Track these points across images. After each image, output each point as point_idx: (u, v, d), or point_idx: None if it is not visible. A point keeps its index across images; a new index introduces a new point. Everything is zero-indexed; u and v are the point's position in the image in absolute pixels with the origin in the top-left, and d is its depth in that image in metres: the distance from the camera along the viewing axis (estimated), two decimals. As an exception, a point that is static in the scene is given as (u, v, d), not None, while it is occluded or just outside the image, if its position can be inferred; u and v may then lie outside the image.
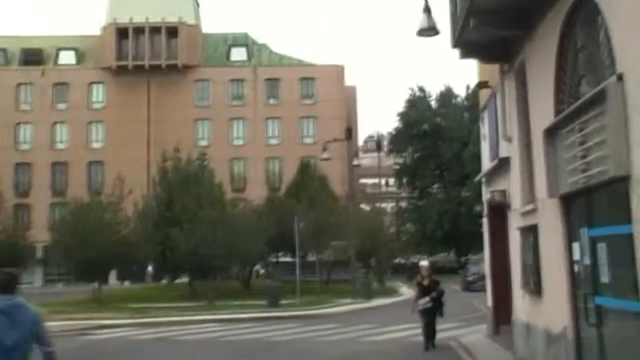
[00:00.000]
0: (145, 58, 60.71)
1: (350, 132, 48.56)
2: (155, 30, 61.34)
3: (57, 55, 62.53)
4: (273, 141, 61.25)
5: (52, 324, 22.21)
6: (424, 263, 16.63)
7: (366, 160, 69.77)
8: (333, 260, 38.28)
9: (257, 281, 39.49)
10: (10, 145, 58.46)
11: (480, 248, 25.39)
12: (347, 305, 27.63)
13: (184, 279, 38.48)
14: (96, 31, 62.93)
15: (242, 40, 65.22)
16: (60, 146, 59.88)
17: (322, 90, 61.03)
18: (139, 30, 61.07)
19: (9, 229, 32.52)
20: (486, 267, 16.44)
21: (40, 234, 39.38)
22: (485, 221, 15.96)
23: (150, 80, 60.73)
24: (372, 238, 36.96)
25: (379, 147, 55.41)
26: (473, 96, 46.87)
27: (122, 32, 61.00)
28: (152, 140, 58.18)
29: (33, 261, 38.93)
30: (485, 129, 14.86)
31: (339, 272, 38.97)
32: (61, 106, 60.32)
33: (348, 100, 64.41)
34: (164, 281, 45.34)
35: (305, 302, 27.12)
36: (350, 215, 34.38)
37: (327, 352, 14.79)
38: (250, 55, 63.87)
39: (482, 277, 22.94)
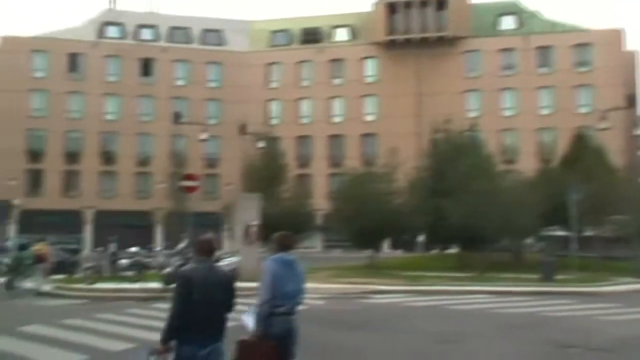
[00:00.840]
0: (415, 31, 61.76)
1: (631, 100, 45.28)
2: (424, 3, 62.14)
3: (333, 33, 65.95)
4: (545, 111, 59.17)
5: (336, 287, 24.06)
6: None
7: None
8: (612, 236, 36.16)
9: (529, 255, 38.63)
10: (293, 119, 63.14)
11: None
12: (627, 285, 26.01)
13: (454, 250, 38.92)
14: (368, 7, 65.35)
15: (512, 9, 63.48)
16: (336, 120, 63.37)
17: (599, 57, 57.59)
18: (408, 4, 62.30)
19: (293, 197, 35.25)
20: None
21: (320, 203, 42.27)
22: None
23: (420, 53, 61.65)
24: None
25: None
26: None
27: (392, 7, 62.67)
28: (423, 112, 59.18)
29: (314, 228, 41.82)
30: None
31: (619, 248, 36.70)
32: (336, 81, 63.70)
33: (628, 67, 59.84)
34: (434, 251, 46.22)
35: (581, 278, 26.05)
36: (631, 189, 32.19)
37: (611, 332, 14.04)
38: (520, 23, 61.98)
39: None
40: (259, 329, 6.76)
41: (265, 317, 6.74)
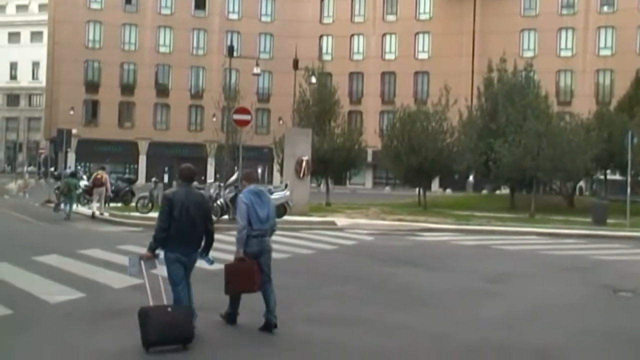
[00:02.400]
0: (473, -33, 60.07)
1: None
2: (483, -63, 60.16)
3: (388, -33, 64.58)
4: (605, 52, 57.52)
5: (386, 223, 24.31)
6: None
7: None
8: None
9: (582, 198, 38.24)
10: (346, 56, 62.65)
11: None
12: (682, 231, 25.61)
13: (505, 191, 38.73)
14: (425, -58, 63.61)
15: (576, -57, 61.04)
16: (389, 56, 62.65)
17: (666, -3, 55.23)
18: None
19: (344, 133, 35.24)
20: None
21: (371, 140, 42.26)
22: None
23: (477, -10, 60.10)
24: None
25: None
26: None
27: (450, -58, 60.86)
28: (477, 51, 58.11)
29: (364, 165, 42.00)
30: None
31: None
32: (390, 18, 62.76)
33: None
34: (484, 191, 46.07)
35: (633, 223, 25.73)
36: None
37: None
38: (583, -40, 59.67)
39: None
40: (240, 250, 8.00)
41: (244, 240, 7.99)
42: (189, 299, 7.76)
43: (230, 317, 8.39)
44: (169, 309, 7.35)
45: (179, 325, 7.20)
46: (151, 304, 7.51)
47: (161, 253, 7.69)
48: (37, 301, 9.68)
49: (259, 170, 53.67)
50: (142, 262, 7.59)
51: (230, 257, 8.58)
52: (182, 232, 7.47)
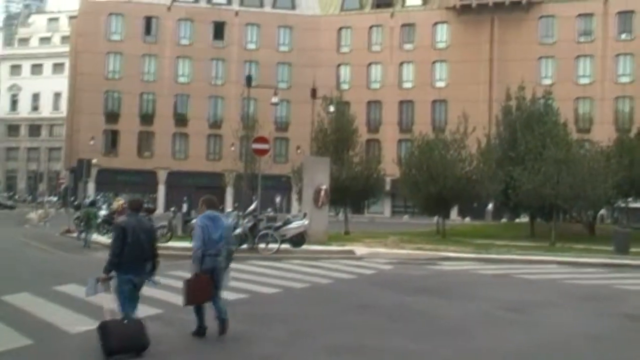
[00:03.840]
0: (490, -5, 60.30)
1: None
2: (499, -34, 60.45)
3: (405, -3, 65.01)
4: (624, 79, 57.29)
5: (405, 252, 24.18)
6: None
7: None
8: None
9: (602, 226, 37.85)
10: (363, 84, 62.91)
11: None
12: None
13: (524, 219, 38.43)
14: (442, -29, 64.04)
15: (593, -28, 61.13)
16: (406, 85, 62.83)
17: (684, 23, 55.10)
18: (483, -32, 60.75)
19: (362, 162, 35.22)
20: None
21: (389, 168, 42.20)
22: None
23: (494, 18, 60.30)
24: None
25: None
26: None
27: (466, -29, 61.21)
28: (495, 78, 58.16)
29: (383, 193, 41.87)
30: None
31: (697, 222, 35.62)
32: (408, 46, 63.01)
33: None
34: (503, 220, 45.79)
35: (656, 251, 25.42)
36: None
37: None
38: (600, -13, 59.68)
39: None
40: (196, 267, 9.25)
41: (199, 258, 9.20)
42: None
43: (200, 331, 9.46)
44: (125, 322, 8.36)
45: (135, 336, 8.25)
46: (108, 319, 8.46)
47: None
48: (57, 331, 9.69)
49: (277, 200, 54.00)
50: (99, 284, 8.48)
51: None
52: (134, 256, 8.48)
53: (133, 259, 8.46)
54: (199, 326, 9.45)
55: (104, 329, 8.22)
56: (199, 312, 9.43)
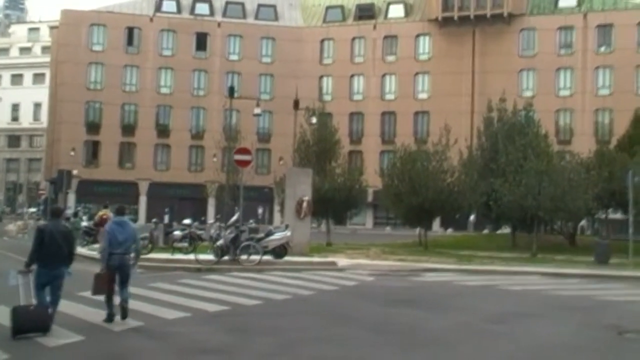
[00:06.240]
0: (471, 8, 60.67)
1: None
2: (481, -21, 60.93)
3: (387, 9, 65.25)
4: (603, 91, 57.78)
5: (387, 263, 24.16)
6: None
7: None
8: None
9: (583, 237, 38.09)
10: (346, 96, 63.01)
11: None
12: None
13: (506, 230, 38.59)
14: (423, -16, 64.46)
15: (572, -15, 61.79)
16: (389, 96, 63.01)
17: (662, 36, 55.75)
18: (464, -20, 61.19)
19: (344, 173, 35.26)
20: None
21: (371, 180, 42.18)
22: None
23: (476, 31, 60.66)
24: None
25: None
26: None
27: (448, -17, 61.61)
28: (477, 90, 58.49)
29: (365, 204, 41.90)
30: None
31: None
32: (390, 58, 63.22)
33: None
34: (485, 231, 45.93)
35: (636, 262, 25.54)
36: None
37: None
38: (580, 0, 60.33)
39: None
40: (103, 264, 11.34)
41: (105, 257, 11.28)
42: (54, 302, 10.53)
43: (109, 317, 11.13)
44: (31, 307, 10.14)
45: (39, 319, 9.95)
46: (22, 304, 10.07)
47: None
48: (35, 345, 9.56)
49: (259, 211, 53.78)
50: (20, 276, 10.30)
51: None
52: (50, 254, 10.24)
53: (50, 256, 10.22)
54: (109, 314, 11.15)
55: (15, 312, 9.93)
56: (109, 302, 11.17)
